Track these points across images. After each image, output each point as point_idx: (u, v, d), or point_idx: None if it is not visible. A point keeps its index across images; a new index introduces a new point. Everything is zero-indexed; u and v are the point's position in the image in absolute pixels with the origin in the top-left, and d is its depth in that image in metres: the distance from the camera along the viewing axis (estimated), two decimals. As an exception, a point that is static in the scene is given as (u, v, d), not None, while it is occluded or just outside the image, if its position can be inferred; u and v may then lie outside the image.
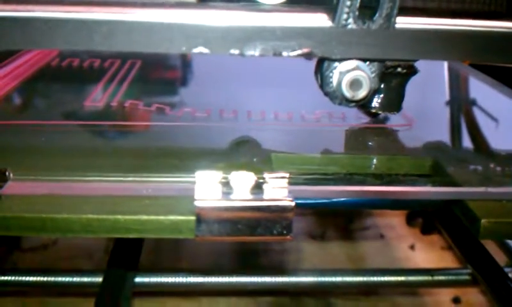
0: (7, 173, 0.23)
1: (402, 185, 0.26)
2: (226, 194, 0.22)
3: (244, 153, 0.28)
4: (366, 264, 0.58)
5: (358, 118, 0.34)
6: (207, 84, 0.42)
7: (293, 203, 0.22)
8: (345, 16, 0.26)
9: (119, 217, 0.21)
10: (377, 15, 0.26)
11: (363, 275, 0.46)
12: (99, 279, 0.41)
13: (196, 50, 0.26)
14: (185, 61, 0.48)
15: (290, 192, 0.22)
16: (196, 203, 0.21)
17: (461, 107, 0.40)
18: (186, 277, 0.44)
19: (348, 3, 0.26)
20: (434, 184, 0.26)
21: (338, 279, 0.46)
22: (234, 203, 0.22)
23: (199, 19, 0.26)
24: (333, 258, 0.59)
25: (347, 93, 0.28)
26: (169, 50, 0.26)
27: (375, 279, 0.46)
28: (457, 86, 0.45)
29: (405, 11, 0.27)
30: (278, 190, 0.22)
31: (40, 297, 0.49)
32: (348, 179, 0.27)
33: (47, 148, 0.29)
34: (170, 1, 0.27)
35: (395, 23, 0.27)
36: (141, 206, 0.22)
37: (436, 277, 0.46)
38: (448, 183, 0.26)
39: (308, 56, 0.27)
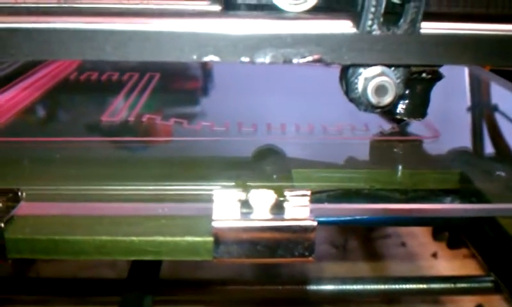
0: (19, 193, 0.22)
1: (429, 201, 0.26)
2: (245, 213, 0.21)
3: (264, 169, 0.27)
4: (388, 272, 0.57)
5: (380, 129, 0.33)
6: (226, 94, 0.42)
7: (315, 223, 0.21)
8: (369, 22, 0.26)
9: (134, 238, 0.21)
10: (402, 20, 0.26)
11: (385, 283, 0.46)
12: (122, 288, 0.41)
13: (206, 59, 0.25)
14: (206, 71, 0.47)
15: (312, 211, 0.21)
16: (214, 224, 0.21)
17: (486, 115, 0.39)
18: (206, 286, 0.44)
19: (373, 9, 0.25)
20: (463, 200, 0.25)
21: (360, 287, 0.45)
22: (253, 223, 0.21)
23: (209, 27, 0.25)
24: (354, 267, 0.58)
25: (373, 99, 0.27)
26: (180, 59, 0.26)
27: (397, 287, 0.45)
28: (480, 92, 0.44)
29: (430, 16, 0.26)
30: (299, 209, 0.21)
31: (63, 305, 0.49)
32: (372, 195, 0.26)
33: (61, 165, 0.28)
34: (184, 10, 0.26)
35: (420, 28, 0.26)
36: (157, 226, 0.21)
37: (459, 285, 0.46)
38: (477, 198, 0.25)
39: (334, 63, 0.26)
